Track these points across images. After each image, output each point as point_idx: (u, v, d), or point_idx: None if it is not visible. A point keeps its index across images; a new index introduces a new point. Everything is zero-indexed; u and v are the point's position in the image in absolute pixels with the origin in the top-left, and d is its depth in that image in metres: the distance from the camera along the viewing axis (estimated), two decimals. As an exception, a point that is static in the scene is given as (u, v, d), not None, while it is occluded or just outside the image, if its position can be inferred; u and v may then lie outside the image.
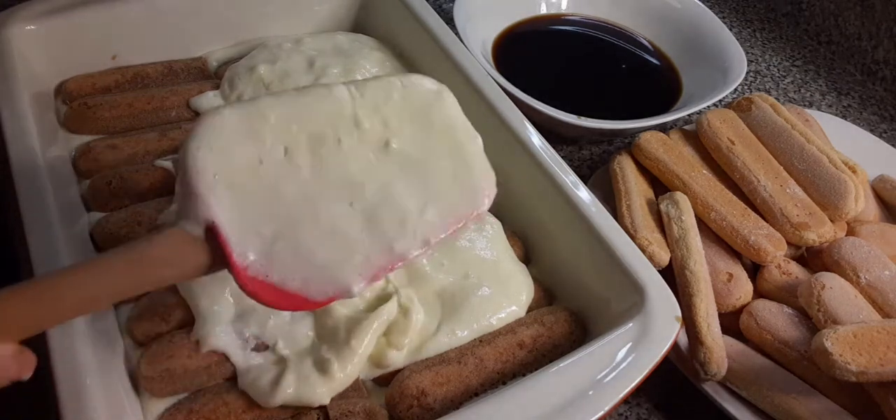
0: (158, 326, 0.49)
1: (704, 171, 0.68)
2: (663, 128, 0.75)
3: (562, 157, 0.59)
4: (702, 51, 0.88)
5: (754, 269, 0.64)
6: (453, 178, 0.43)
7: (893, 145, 0.83)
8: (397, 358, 0.50)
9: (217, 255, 0.36)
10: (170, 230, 0.35)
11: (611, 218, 0.55)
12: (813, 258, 0.65)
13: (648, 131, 0.71)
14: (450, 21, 0.74)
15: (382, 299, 0.51)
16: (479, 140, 0.46)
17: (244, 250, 0.36)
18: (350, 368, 0.47)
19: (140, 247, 0.34)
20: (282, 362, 0.48)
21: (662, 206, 0.64)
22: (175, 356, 0.47)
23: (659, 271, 0.52)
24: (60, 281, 0.32)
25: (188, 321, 0.50)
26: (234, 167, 0.36)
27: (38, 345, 0.47)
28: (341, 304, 0.50)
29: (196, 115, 0.64)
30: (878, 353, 0.52)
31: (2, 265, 0.57)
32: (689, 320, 0.57)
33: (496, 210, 0.60)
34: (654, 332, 0.48)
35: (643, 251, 0.56)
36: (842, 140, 0.76)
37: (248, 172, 0.37)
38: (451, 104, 0.45)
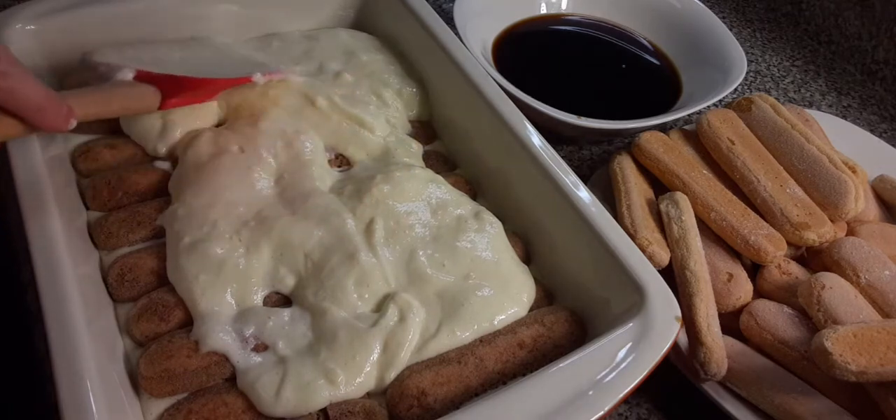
0: (158, 326, 0.49)
1: (704, 171, 0.68)
2: (663, 128, 0.75)
3: (562, 157, 0.59)
4: (702, 51, 0.88)
5: (754, 269, 0.64)
6: None
7: (893, 145, 0.83)
8: (396, 373, 0.49)
9: (143, 84, 0.55)
10: (119, 80, 0.54)
11: (611, 218, 0.55)
12: (813, 258, 0.65)
13: (648, 131, 0.71)
14: (450, 21, 0.74)
15: (381, 304, 0.51)
16: None
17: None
18: (354, 388, 0.48)
19: (111, 85, 0.54)
20: (282, 363, 0.47)
21: (662, 206, 0.64)
22: (174, 356, 0.47)
23: (659, 271, 0.52)
24: (93, 93, 0.51)
25: (188, 321, 0.50)
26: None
27: (38, 345, 0.47)
28: (338, 306, 0.50)
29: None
30: (878, 353, 0.52)
31: (2, 264, 0.57)
32: (689, 320, 0.57)
33: (497, 210, 0.60)
34: (654, 332, 0.48)
35: (643, 251, 0.56)
36: (842, 140, 0.76)
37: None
38: None
